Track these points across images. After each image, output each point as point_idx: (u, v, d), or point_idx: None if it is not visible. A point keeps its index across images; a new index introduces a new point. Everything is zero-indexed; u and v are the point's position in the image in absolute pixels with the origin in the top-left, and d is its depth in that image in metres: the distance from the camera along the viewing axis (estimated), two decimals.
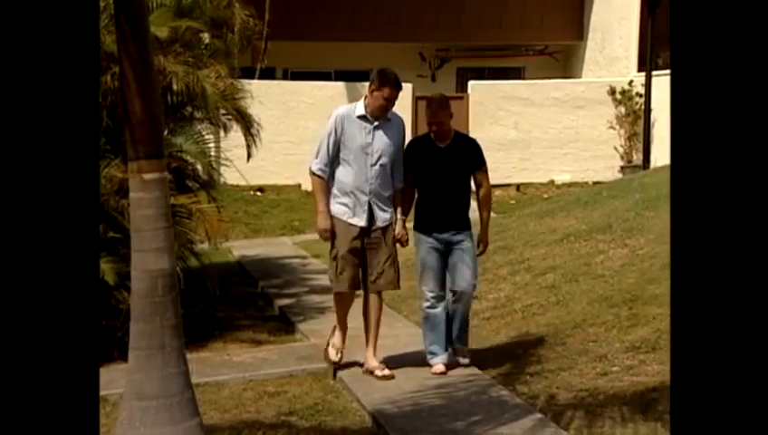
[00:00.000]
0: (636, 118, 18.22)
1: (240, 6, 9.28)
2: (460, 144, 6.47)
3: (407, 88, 18.39)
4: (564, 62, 22.21)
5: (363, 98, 6.32)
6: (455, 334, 6.45)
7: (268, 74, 18.63)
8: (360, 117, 6.23)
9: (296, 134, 17.23)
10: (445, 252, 6.32)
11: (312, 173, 6.31)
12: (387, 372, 6.21)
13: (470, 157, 6.44)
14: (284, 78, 20.17)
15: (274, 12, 17.14)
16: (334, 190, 6.31)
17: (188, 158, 8.30)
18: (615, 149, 18.34)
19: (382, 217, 6.31)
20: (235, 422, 5.67)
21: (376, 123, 6.23)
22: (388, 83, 6.17)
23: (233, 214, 13.88)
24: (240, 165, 10.02)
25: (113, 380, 5.54)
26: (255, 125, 9.01)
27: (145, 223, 4.08)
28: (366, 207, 6.23)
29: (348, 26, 20.01)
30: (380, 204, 6.29)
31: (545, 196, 17.04)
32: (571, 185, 17.89)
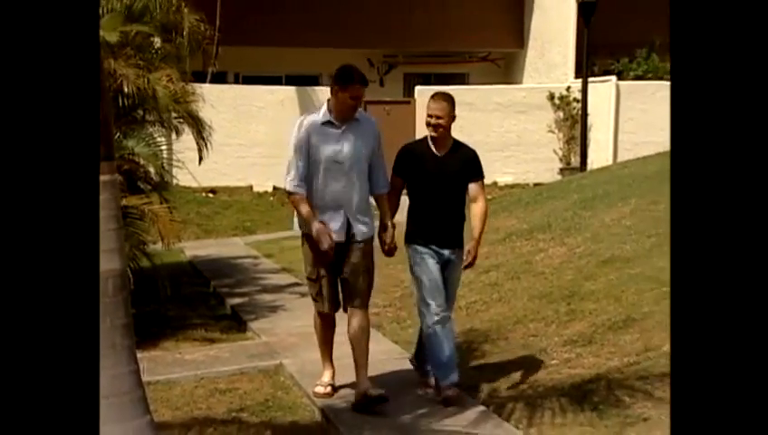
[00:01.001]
0: (573, 122, 18.45)
1: (189, 11, 9.16)
2: (459, 153, 5.70)
3: None
4: (506, 69, 22.39)
5: (326, 102, 5.54)
6: (433, 362, 5.68)
7: (220, 78, 18.50)
8: (326, 123, 5.42)
9: (248, 137, 17.17)
10: (441, 266, 5.57)
11: (289, 193, 5.51)
12: (380, 390, 5.39)
13: (468, 166, 5.67)
14: (236, 82, 20.01)
15: (225, 17, 17.00)
16: None
17: (140, 160, 8.19)
18: (554, 151, 18.55)
19: (361, 230, 5.51)
20: (187, 419, 5.59)
21: (344, 127, 5.42)
22: (353, 81, 5.41)
23: (185, 215, 13.74)
24: (192, 167, 9.91)
25: None
26: (207, 128, 8.92)
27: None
28: (342, 220, 5.43)
29: (298, 32, 19.91)
30: (358, 215, 5.49)
31: (489, 197, 17.02)
32: (512, 186, 17.99)
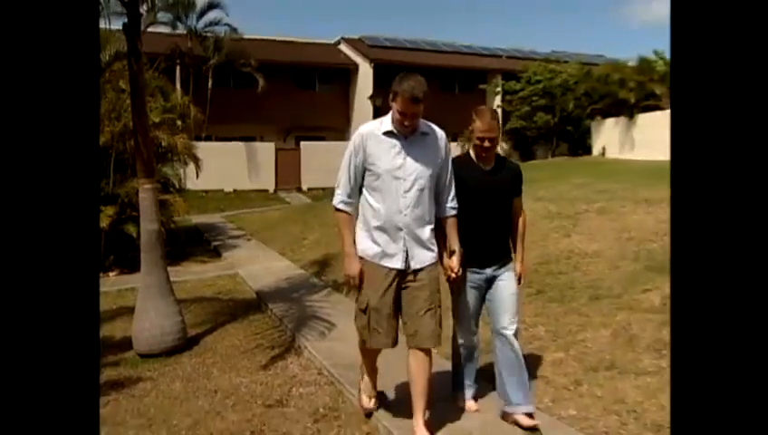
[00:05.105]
0: None
1: (193, 107, 8.90)
2: (505, 167, 2.70)
3: (269, 147, 18.18)
4: (341, 134, 22.46)
5: (391, 112, 2.38)
6: (513, 385, 2.53)
7: (208, 139, 17.62)
8: (387, 133, 2.36)
9: (220, 166, 16.48)
10: (485, 288, 2.63)
11: (336, 209, 2.45)
12: None
13: (516, 180, 2.70)
14: (216, 141, 19.05)
15: (212, 109, 16.31)
16: (360, 224, 2.43)
17: (169, 177, 7.94)
18: None
19: (421, 256, 2.37)
20: (192, 298, 5.44)
21: (408, 139, 2.36)
22: (401, 92, 2.27)
23: (191, 203, 12.83)
24: (193, 180, 9.50)
25: (136, 280, 5.20)
26: (200, 161, 8.66)
27: (146, 207, 3.91)
28: (401, 245, 2.34)
29: (245, 116, 19.25)
30: (419, 239, 2.37)
31: None
32: None
